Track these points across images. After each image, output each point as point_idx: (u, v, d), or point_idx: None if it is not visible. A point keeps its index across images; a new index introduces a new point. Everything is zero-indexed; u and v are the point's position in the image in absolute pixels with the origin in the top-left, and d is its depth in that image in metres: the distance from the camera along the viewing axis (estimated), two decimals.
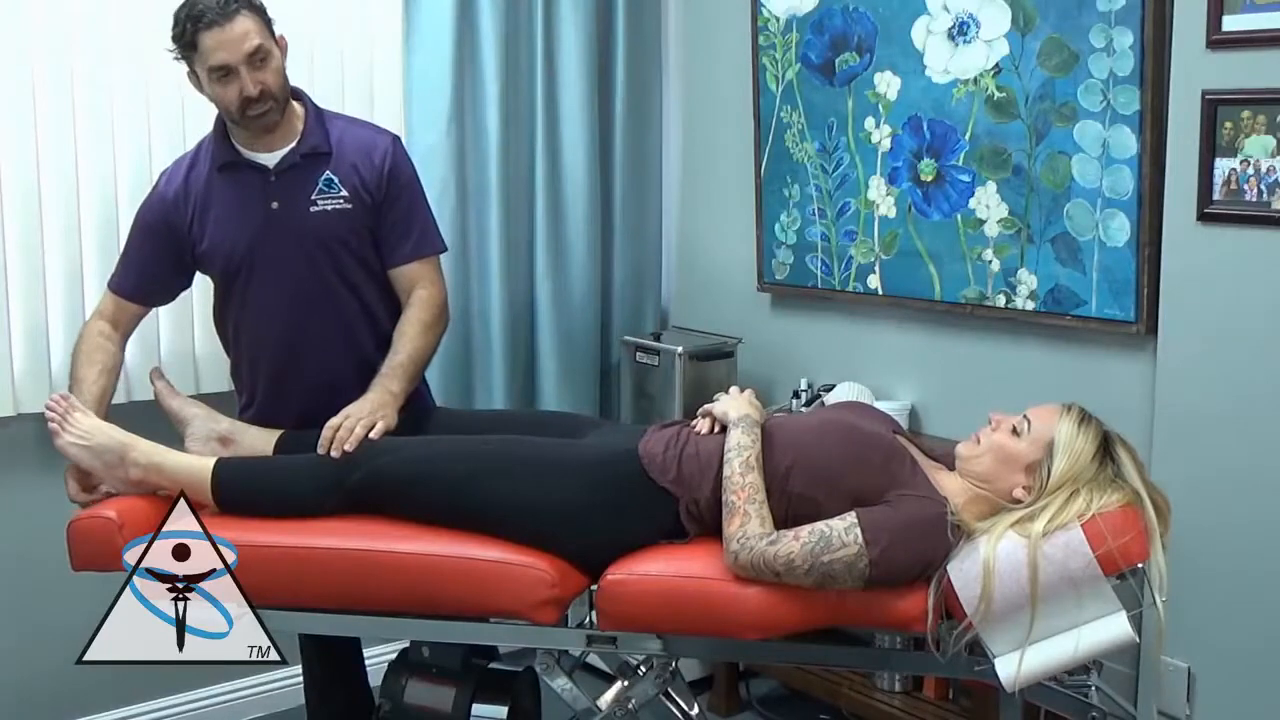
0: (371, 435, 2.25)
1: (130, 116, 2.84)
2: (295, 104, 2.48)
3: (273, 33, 2.39)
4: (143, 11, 2.82)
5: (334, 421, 2.27)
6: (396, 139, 2.57)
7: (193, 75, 2.39)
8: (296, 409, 2.44)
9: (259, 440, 2.41)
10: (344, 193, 2.45)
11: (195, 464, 2.23)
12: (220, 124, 2.48)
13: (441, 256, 2.62)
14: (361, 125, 2.61)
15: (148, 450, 2.21)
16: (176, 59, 2.37)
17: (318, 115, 2.51)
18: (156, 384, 2.47)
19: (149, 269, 2.51)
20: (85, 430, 2.22)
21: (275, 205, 2.44)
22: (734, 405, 2.18)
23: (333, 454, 2.23)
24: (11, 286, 2.74)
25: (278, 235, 2.45)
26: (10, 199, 2.72)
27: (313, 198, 2.45)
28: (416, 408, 2.51)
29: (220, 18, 2.28)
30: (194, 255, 2.50)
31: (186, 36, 2.31)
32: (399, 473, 2.17)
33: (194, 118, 2.90)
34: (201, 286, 2.92)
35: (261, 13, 2.36)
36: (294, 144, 2.46)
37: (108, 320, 2.49)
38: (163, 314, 2.92)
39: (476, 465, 2.15)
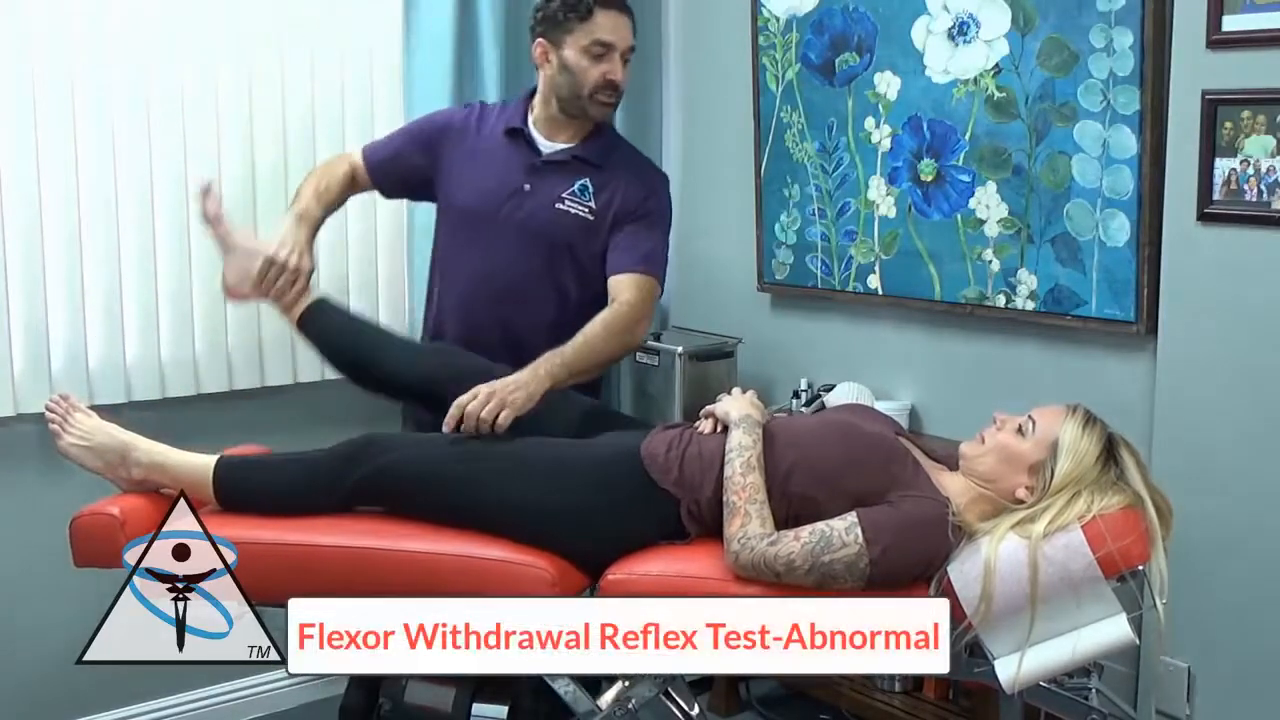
0: (498, 422, 2.18)
1: (130, 118, 2.83)
2: None
3: None
4: (143, 12, 2.82)
5: (463, 400, 2.21)
6: (666, 178, 2.73)
7: (548, 46, 2.53)
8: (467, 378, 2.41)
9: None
10: (592, 204, 2.56)
11: (196, 462, 2.22)
12: (528, 97, 2.64)
13: None
14: (642, 157, 2.76)
15: (149, 449, 2.21)
16: (561, 18, 2.50)
17: (608, 131, 2.67)
18: (206, 204, 2.47)
19: (391, 160, 2.71)
20: (86, 430, 2.23)
21: (528, 187, 2.57)
22: (735, 406, 2.18)
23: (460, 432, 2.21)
24: (11, 286, 2.73)
25: (515, 213, 2.56)
26: (10, 199, 2.71)
27: (562, 195, 2.56)
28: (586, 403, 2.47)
29: (620, 4, 2.54)
30: (435, 184, 2.65)
31: (585, 5, 2.49)
32: (401, 471, 2.17)
33: (194, 118, 2.91)
34: (204, 284, 2.92)
35: None
36: (573, 144, 2.60)
37: (350, 166, 2.70)
38: (163, 314, 2.91)
39: (478, 465, 2.15)
